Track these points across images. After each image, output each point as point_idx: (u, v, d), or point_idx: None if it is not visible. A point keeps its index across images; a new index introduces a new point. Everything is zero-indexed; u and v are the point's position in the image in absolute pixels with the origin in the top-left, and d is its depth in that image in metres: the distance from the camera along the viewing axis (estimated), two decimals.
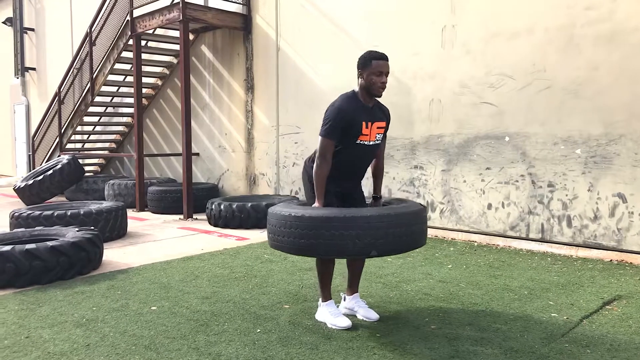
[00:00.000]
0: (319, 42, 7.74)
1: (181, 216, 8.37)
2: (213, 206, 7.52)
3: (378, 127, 3.44)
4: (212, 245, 6.23)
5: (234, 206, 7.31)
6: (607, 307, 3.81)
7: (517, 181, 5.86)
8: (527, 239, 5.80)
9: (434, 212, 6.59)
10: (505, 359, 2.96)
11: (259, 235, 6.77)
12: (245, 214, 7.25)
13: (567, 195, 5.51)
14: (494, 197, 6.06)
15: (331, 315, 3.51)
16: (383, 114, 3.53)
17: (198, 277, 4.79)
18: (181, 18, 8.02)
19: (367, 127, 3.36)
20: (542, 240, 5.70)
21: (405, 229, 3.12)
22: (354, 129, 3.33)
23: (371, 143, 3.43)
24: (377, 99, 3.46)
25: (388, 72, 3.34)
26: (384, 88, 3.34)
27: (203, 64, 9.77)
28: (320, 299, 3.64)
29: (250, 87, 8.91)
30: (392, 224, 3.06)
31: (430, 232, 6.50)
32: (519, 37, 5.74)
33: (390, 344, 3.20)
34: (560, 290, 4.24)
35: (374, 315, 3.61)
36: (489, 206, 6.10)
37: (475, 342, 3.20)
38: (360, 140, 3.37)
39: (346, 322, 3.46)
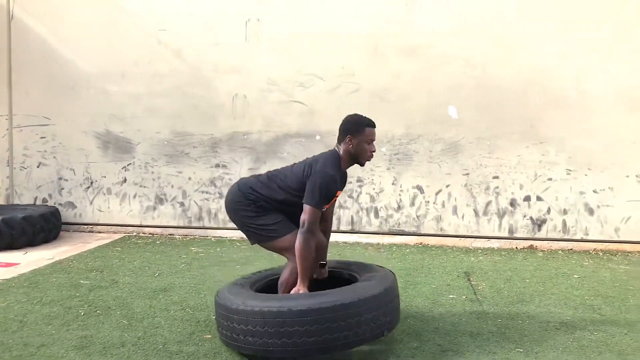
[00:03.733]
0: (84, 18, 6.35)
1: None
2: None
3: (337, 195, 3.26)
4: None
5: None
6: (472, 283, 4.42)
7: None
8: (338, 231, 6.12)
9: None
10: (511, 344, 3.15)
11: (28, 258, 5.18)
12: None
13: (374, 189, 6.08)
14: None
15: None
16: (344, 182, 3.34)
17: (26, 324, 3.41)
18: None
19: (335, 196, 3.18)
20: (352, 232, 6.13)
21: (398, 299, 3.08)
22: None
23: (324, 208, 3.20)
24: None
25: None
26: (372, 157, 3.23)
27: None
28: None
29: None
30: (393, 297, 2.97)
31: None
32: (326, 39, 5.98)
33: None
34: (421, 273, 4.67)
35: None
36: None
37: (464, 337, 3.29)
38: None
39: None
